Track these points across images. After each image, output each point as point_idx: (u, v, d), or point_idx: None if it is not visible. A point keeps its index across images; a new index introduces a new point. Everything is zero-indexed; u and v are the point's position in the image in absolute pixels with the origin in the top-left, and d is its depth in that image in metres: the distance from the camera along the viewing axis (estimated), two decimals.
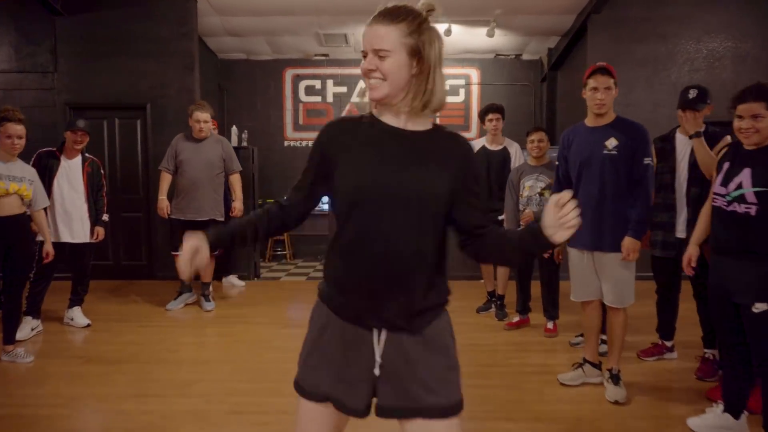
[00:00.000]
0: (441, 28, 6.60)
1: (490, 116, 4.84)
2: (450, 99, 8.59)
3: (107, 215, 4.80)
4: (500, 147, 4.92)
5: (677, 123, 3.59)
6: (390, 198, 1.34)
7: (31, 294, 4.39)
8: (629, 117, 3.26)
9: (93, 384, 3.45)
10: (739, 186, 2.48)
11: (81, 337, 4.48)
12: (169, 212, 5.26)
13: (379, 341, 1.39)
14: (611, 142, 3.14)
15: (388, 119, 1.42)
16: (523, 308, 4.71)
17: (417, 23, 1.35)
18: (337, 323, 1.42)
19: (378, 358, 1.38)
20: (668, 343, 3.92)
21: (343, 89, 9.00)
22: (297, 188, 1.51)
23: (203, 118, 5.15)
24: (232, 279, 6.40)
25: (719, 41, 6.72)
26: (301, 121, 9.10)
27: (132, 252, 6.77)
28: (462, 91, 9.03)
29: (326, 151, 1.43)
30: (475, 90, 9.00)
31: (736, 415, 2.73)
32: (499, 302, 5.02)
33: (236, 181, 5.44)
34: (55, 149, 4.60)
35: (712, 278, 2.71)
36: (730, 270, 2.56)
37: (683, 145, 3.58)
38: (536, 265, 4.58)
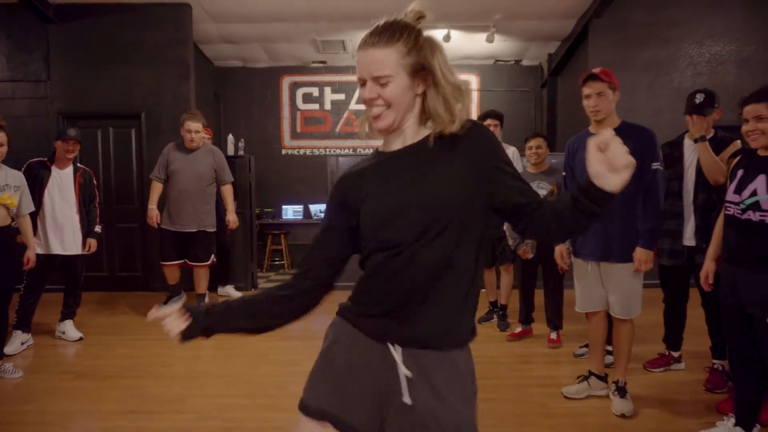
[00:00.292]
0: (440, 33, 6.49)
1: (488, 122, 4.75)
2: None
3: (100, 226, 4.69)
4: None
5: (680, 128, 3.51)
6: (404, 218, 1.24)
7: (21, 307, 4.29)
8: (656, 135, 3.15)
9: (83, 400, 3.34)
10: (754, 193, 2.40)
11: (72, 351, 4.37)
12: (159, 221, 5.17)
13: (401, 364, 1.27)
14: None
15: (396, 145, 1.32)
16: (526, 318, 4.60)
17: (413, 39, 1.24)
18: (355, 342, 1.32)
19: (404, 389, 1.27)
20: (675, 354, 3.81)
21: (341, 96, 8.93)
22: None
23: (195, 128, 5.08)
24: (229, 290, 6.30)
25: (722, 45, 6.66)
26: (298, 129, 9.02)
27: (127, 263, 6.67)
28: None
29: (344, 205, 1.35)
30: (474, 96, 8.93)
31: (749, 429, 2.63)
32: (501, 312, 4.91)
33: (228, 192, 5.36)
34: (45, 159, 4.50)
35: (724, 288, 2.62)
36: (743, 280, 2.46)
37: (691, 151, 3.49)
38: (540, 275, 4.49)
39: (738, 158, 2.68)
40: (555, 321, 4.39)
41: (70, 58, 6.50)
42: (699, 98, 3.30)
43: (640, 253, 2.99)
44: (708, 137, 3.33)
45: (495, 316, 5.01)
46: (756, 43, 6.61)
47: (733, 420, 2.69)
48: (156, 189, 5.19)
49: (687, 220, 3.51)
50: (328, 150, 8.87)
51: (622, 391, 3.15)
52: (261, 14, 6.82)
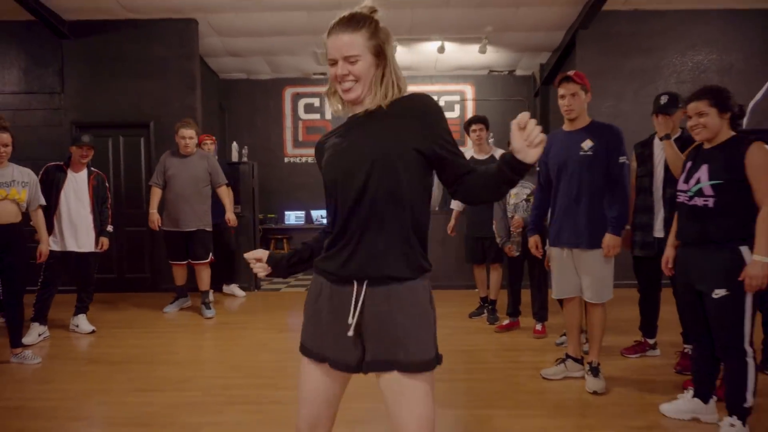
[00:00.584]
0: (434, 45, 6.81)
1: (473, 127, 5.04)
2: (446, 114, 8.82)
3: (111, 226, 5.00)
4: (487, 155, 5.11)
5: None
6: (359, 165, 1.49)
7: (38, 301, 4.59)
8: (622, 131, 3.42)
9: (97, 381, 3.62)
10: (698, 181, 2.66)
11: (86, 342, 4.65)
12: (160, 224, 5.51)
13: (358, 297, 1.52)
14: (587, 144, 3.32)
15: (359, 111, 1.60)
16: (514, 311, 4.86)
17: (374, 27, 1.54)
18: (327, 289, 1.57)
19: (354, 315, 1.51)
20: (651, 341, 4.05)
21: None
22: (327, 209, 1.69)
23: (188, 135, 5.44)
24: (234, 288, 6.58)
25: (704, 54, 6.94)
26: (300, 138, 9.35)
27: (135, 265, 6.97)
28: (457, 107, 9.27)
29: (319, 164, 1.64)
30: (470, 106, 9.23)
31: (705, 400, 2.86)
32: (491, 307, 5.17)
33: (224, 193, 5.71)
34: (62, 163, 4.82)
35: (677, 270, 2.87)
36: (692, 260, 2.72)
37: (660, 150, 3.75)
38: (526, 271, 4.75)
39: (687, 151, 2.96)
40: (540, 313, 4.64)
41: (83, 71, 6.86)
42: (664, 99, 3.59)
43: (608, 239, 3.26)
44: (675, 136, 3.62)
45: (485, 311, 5.26)
46: (736, 52, 6.89)
47: (692, 392, 2.94)
48: (155, 195, 5.53)
49: (657, 214, 3.76)
50: None
51: (595, 371, 3.39)
52: (264, 29, 7.15)
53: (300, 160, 9.35)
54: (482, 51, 7.62)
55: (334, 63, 1.55)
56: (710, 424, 2.78)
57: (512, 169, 1.41)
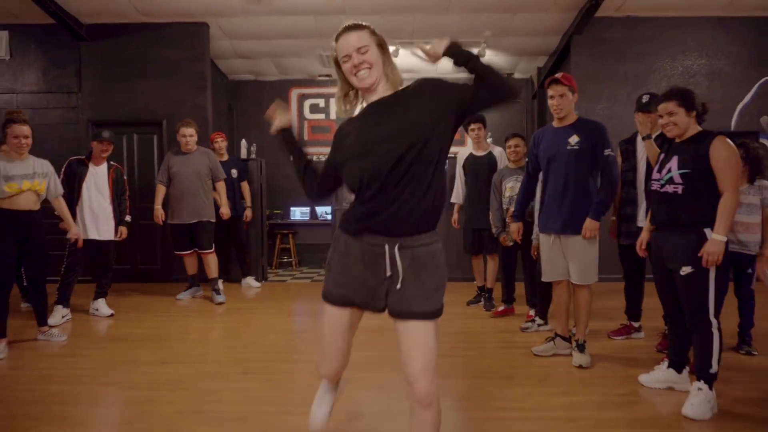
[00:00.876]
0: None
1: (472, 126, 5.34)
2: None
3: (129, 216, 5.31)
4: (485, 152, 5.41)
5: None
6: (393, 139, 1.76)
7: (62, 285, 4.90)
8: (613, 129, 3.72)
9: (121, 354, 3.93)
10: (669, 170, 2.96)
11: (106, 323, 4.95)
12: (164, 219, 5.87)
13: (389, 257, 1.80)
14: (573, 139, 3.62)
15: (373, 99, 1.90)
16: (508, 299, 5.16)
17: (372, 28, 1.89)
18: (356, 247, 1.85)
19: (388, 271, 1.81)
20: (635, 324, 4.33)
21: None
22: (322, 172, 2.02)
23: (189, 133, 5.81)
24: (250, 281, 6.90)
25: (693, 59, 7.24)
26: (306, 137, 9.67)
27: (147, 257, 7.28)
28: None
29: (337, 144, 1.94)
30: None
31: (679, 370, 3.16)
32: (487, 295, 5.46)
33: (221, 188, 6.10)
34: (84, 157, 5.13)
35: (652, 251, 3.16)
36: (664, 242, 3.01)
37: (642, 146, 4.04)
38: (520, 262, 5.05)
39: (659, 144, 3.27)
40: (533, 300, 4.92)
41: (99, 72, 7.19)
42: (645, 98, 3.89)
43: (587, 222, 3.56)
44: (656, 134, 3.92)
45: (482, 299, 5.55)
46: (725, 57, 7.19)
47: (667, 363, 3.23)
48: (160, 192, 5.90)
49: (639, 206, 4.05)
50: None
51: (581, 347, 3.69)
52: (272, 32, 7.47)
53: None
54: (481, 54, 7.92)
55: (347, 58, 1.85)
56: (683, 392, 3.05)
57: (464, 63, 1.83)
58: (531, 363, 3.73)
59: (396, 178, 1.75)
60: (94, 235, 5.00)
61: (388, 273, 1.81)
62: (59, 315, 4.82)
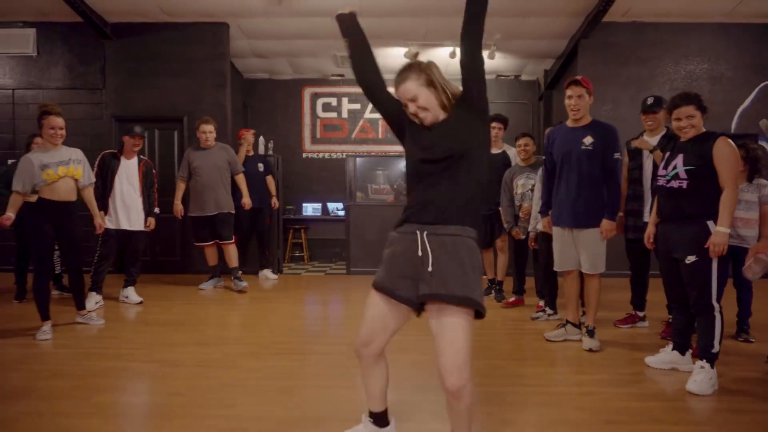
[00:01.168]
0: (446, 51, 7.41)
1: (493, 125, 5.57)
2: None
3: (158, 208, 5.57)
4: (500, 151, 5.67)
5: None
6: (433, 148, 2.03)
7: (95, 273, 5.15)
8: (618, 131, 3.96)
9: (158, 336, 4.19)
10: (675, 167, 3.22)
11: (136, 310, 5.21)
12: (183, 213, 6.18)
13: (420, 241, 2.01)
14: (588, 140, 3.87)
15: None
16: (519, 290, 5.42)
17: (418, 68, 2.04)
18: (399, 240, 2.08)
19: (419, 251, 2.00)
20: (640, 314, 4.60)
21: (357, 106, 9.85)
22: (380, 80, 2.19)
23: (208, 129, 6.12)
24: (267, 273, 7.17)
25: (696, 63, 7.51)
26: (318, 135, 9.94)
27: (167, 249, 7.53)
28: None
29: (404, 116, 2.14)
30: None
31: (682, 352, 3.43)
32: (498, 287, 5.72)
33: (241, 180, 6.37)
34: (116, 151, 5.39)
35: (659, 242, 3.42)
36: (670, 233, 3.27)
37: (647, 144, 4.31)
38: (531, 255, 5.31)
39: (664, 143, 3.53)
40: (543, 291, 5.18)
41: (122, 69, 7.45)
42: (650, 101, 4.17)
43: (605, 224, 3.82)
44: (661, 134, 4.19)
45: (493, 291, 5.81)
46: (726, 62, 7.47)
47: (671, 346, 3.50)
48: (180, 187, 6.23)
49: (646, 202, 4.31)
50: (344, 154, 9.70)
51: (591, 333, 3.95)
52: (289, 32, 7.73)
53: (317, 155, 9.93)
54: (491, 57, 8.17)
55: (406, 103, 2.08)
56: (686, 372, 3.31)
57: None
58: (543, 347, 3.99)
59: (431, 178, 2.02)
60: (125, 225, 5.26)
61: (419, 253, 1.99)
62: (93, 301, 5.07)
